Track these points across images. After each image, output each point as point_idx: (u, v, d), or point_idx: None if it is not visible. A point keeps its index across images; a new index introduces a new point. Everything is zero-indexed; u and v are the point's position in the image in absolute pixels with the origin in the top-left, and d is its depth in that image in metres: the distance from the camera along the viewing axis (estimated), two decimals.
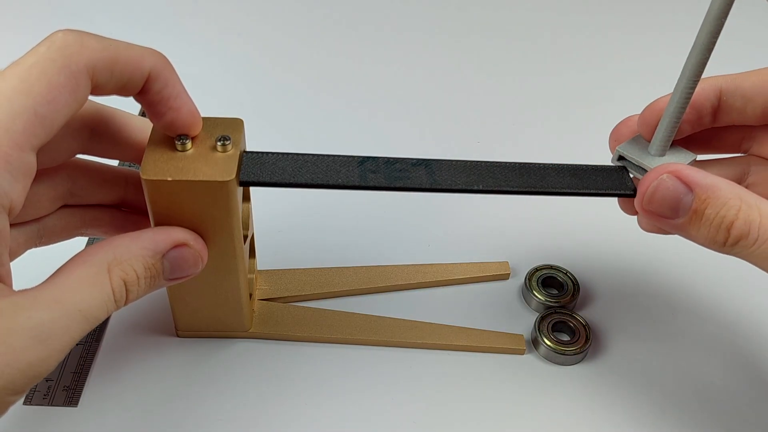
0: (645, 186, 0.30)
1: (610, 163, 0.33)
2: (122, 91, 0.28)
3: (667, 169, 0.29)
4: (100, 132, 0.31)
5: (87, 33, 0.26)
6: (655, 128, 0.32)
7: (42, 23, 0.59)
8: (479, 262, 0.42)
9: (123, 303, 0.27)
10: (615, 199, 0.34)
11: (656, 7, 0.66)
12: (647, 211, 0.30)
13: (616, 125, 0.35)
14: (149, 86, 0.28)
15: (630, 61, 0.59)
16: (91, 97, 0.27)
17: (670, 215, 0.29)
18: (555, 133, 0.52)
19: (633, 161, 0.32)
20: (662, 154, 0.32)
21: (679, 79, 0.30)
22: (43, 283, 0.25)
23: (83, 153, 0.31)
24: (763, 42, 0.63)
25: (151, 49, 0.28)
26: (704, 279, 0.42)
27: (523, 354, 0.38)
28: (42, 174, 0.30)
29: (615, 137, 0.34)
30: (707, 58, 0.29)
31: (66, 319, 0.25)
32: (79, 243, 0.39)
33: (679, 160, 0.32)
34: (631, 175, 0.33)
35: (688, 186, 0.28)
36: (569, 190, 0.32)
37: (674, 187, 0.29)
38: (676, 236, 0.45)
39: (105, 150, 0.32)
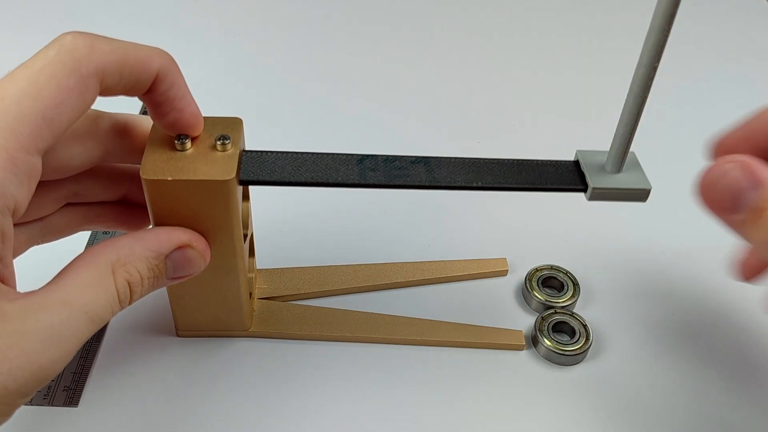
0: (710, 172, 0.27)
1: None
2: (130, 92, 0.28)
3: (736, 158, 0.26)
4: (118, 143, 0.31)
5: (96, 35, 0.26)
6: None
7: (42, 23, 0.59)
8: (477, 259, 0.42)
9: (127, 303, 0.27)
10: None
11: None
12: (706, 199, 0.27)
13: (722, 140, 0.31)
14: (155, 86, 0.28)
15: (633, 60, 0.59)
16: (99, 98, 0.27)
17: (729, 208, 0.27)
18: (556, 134, 0.53)
19: (584, 170, 0.32)
20: (618, 171, 0.31)
21: (629, 88, 0.29)
22: (48, 284, 0.25)
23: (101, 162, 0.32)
24: (763, 42, 0.63)
25: (158, 49, 0.28)
26: (704, 278, 0.42)
27: (522, 350, 0.38)
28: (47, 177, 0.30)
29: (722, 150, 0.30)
30: (656, 66, 0.28)
31: (74, 321, 0.25)
32: (78, 238, 0.39)
33: (637, 179, 0.31)
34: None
35: (756, 181, 0.26)
36: (568, 187, 0.32)
37: (738, 179, 0.26)
38: (675, 235, 0.45)
39: (121, 158, 0.32)
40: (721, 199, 0.27)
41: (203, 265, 0.31)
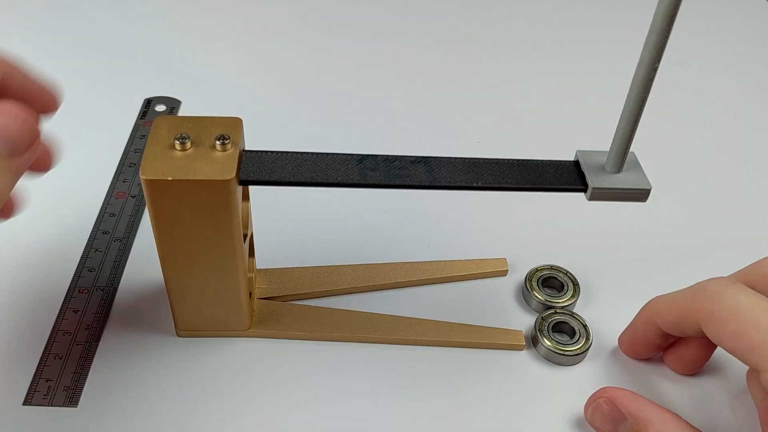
0: (588, 403, 0.34)
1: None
2: None
3: (606, 393, 0.32)
4: None
5: None
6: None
7: (43, 23, 0.59)
8: (477, 259, 0.42)
9: None
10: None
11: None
12: (593, 426, 0.33)
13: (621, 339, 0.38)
14: (5, 92, 0.27)
15: (633, 60, 0.59)
16: None
17: None
18: (556, 134, 0.53)
19: (584, 170, 0.32)
20: (618, 171, 0.31)
21: (630, 88, 0.29)
22: None
23: None
24: (763, 42, 0.63)
25: None
26: (705, 279, 0.42)
27: (522, 350, 0.38)
28: None
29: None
30: (656, 67, 0.28)
31: None
32: None
33: (637, 179, 0.31)
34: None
35: (622, 415, 0.31)
36: (568, 187, 0.32)
37: (610, 413, 0.32)
38: (675, 235, 0.45)
39: None
40: (601, 427, 0.33)
41: (36, 134, 0.27)
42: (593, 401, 0.33)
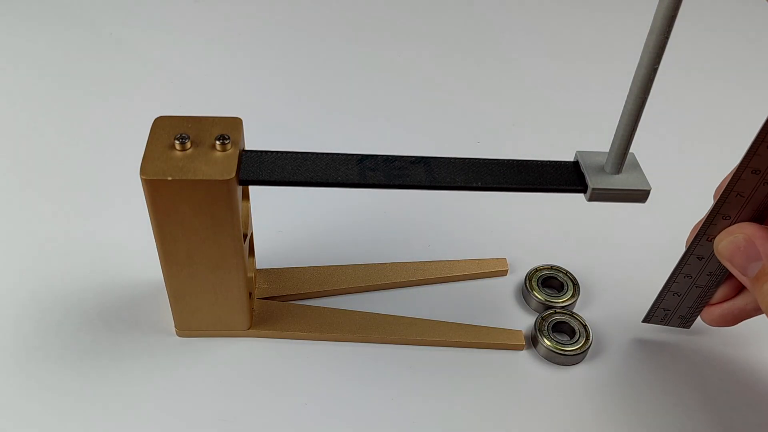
0: (723, 235, 0.32)
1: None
2: None
3: (745, 230, 0.32)
4: None
5: None
6: None
7: (44, 24, 0.59)
8: (477, 259, 0.42)
9: None
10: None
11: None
12: (725, 259, 0.32)
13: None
14: None
15: (633, 61, 0.59)
16: None
17: (741, 269, 0.31)
18: (556, 135, 0.53)
19: (583, 170, 0.32)
20: (617, 172, 0.32)
21: (629, 89, 0.29)
22: None
23: None
24: (763, 42, 0.63)
25: None
26: None
27: (522, 350, 0.38)
28: None
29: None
30: (656, 68, 0.28)
31: None
32: None
33: (636, 180, 0.32)
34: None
35: (758, 255, 0.31)
36: (568, 187, 0.32)
37: (745, 249, 0.31)
38: (676, 236, 0.45)
39: None
40: (736, 260, 0.32)
41: None
42: (730, 234, 0.32)
